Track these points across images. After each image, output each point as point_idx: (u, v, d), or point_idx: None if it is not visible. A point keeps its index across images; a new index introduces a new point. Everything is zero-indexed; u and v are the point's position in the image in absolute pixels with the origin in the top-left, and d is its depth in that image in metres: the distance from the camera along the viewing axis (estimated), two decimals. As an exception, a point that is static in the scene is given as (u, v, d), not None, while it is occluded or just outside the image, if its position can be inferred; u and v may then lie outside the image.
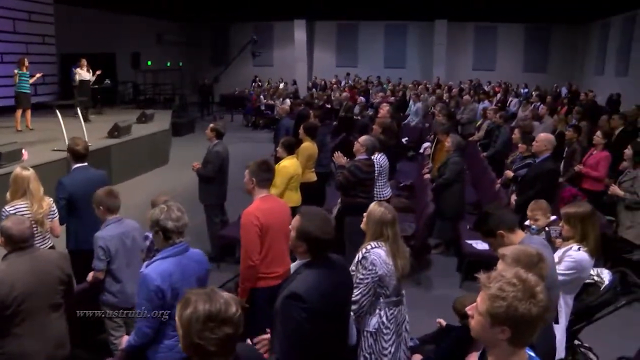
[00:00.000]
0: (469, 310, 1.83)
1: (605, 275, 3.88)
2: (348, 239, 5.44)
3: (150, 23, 23.38)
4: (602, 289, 3.81)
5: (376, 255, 3.31)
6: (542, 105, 12.77)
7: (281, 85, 23.04)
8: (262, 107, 19.62)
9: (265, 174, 3.91)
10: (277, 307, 2.55)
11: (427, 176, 7.65)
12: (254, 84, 24.16)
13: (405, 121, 14.34)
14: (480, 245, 5.86)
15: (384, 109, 9.26)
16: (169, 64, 25.34)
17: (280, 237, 3.81)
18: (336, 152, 6.08)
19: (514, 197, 6.19)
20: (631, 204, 5.82)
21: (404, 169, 10.20)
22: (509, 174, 6.82)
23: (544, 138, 6.05)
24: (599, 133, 7.27)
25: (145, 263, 3.08)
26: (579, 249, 3.52)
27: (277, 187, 6.09)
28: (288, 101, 15.39)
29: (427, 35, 24.88)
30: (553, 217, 4.25)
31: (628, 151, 6.07)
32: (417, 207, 7.52)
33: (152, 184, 10.93)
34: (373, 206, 3.47)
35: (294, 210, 6.30)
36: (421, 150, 10.65)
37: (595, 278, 3.92)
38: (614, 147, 7.86)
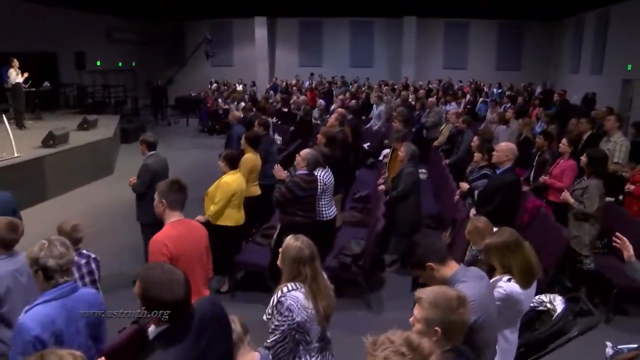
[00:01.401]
0: None
1: (558, 302, 3.74)
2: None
3: (98, 19, 22.55)
4: (554, 317, 3.66)
5: (293, 299, 3.06)
6: (511, 106, 12.76)
7: (239, 87, 22.62)
8: (221, 112, 19.13)
9: (176, 194, 3.70)
10: None
11: (382, 187, 7.47)
12: (210, 86, 23.66)
13: (368, 125, 14.18)
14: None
15: (333, 117, 9.03)
16: (120, 64, 24.77)
17: (194, 265, 3.63)
18: (276, 165, 5.88)
19: (472, 211, 6.02)
20: (577, 214, 5.74)
21: (362, 178, 9.98)
22: (464, 186, 6.67)
23: (504, 148, 5.92)
24: (564, 141, 7.16)
25: (25, 308, 2.79)
26: (509, 280, 3.35)
27: (217, 204, 5.91)
28: (243, 104, 15.13)
29: (395, 32, 24.82)
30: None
31: (584, 159, 5.90)
32: (370, 221, 7.33)
33: (92, 196, 10.59)
34: (288, 241, 3.23)
35: (238, 230, 6.16)
36: (380, 158, 10.44)
37: (548, 305, 3.78)
38: (582, 152, 7.75)
